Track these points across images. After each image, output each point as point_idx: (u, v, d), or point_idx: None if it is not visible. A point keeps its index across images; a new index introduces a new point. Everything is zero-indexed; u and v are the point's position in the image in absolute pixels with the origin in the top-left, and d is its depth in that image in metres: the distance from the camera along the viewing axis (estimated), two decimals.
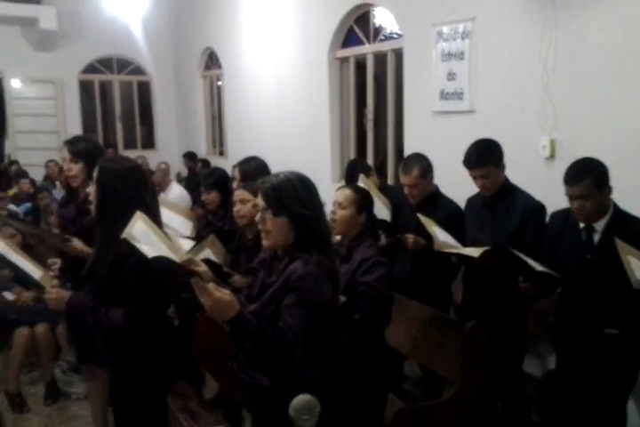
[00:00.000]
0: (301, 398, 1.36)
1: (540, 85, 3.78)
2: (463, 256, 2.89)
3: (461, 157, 3.09)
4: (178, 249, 2.44)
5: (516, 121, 3.99)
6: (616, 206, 2.65)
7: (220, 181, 3.91)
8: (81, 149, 3.22)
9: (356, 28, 6.03)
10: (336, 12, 5.98)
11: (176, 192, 6.66)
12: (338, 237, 2.95)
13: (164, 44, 10.35)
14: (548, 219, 2.97)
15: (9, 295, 4.28)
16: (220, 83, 9.22)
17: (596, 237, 2.64)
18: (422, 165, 3.48)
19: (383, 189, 4.03)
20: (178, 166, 9.54)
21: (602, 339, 2.63)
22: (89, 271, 2.49)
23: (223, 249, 3.30)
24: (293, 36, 6.82)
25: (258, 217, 2.07)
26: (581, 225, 2.67)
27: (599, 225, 2.63)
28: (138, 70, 10.64)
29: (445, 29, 4.54)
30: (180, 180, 8.70)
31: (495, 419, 3.26)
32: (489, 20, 4.21)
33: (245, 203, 3.20)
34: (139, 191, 2.44)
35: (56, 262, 3.12)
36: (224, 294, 1.82)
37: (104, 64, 10.43)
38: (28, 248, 4.15)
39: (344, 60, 6.27)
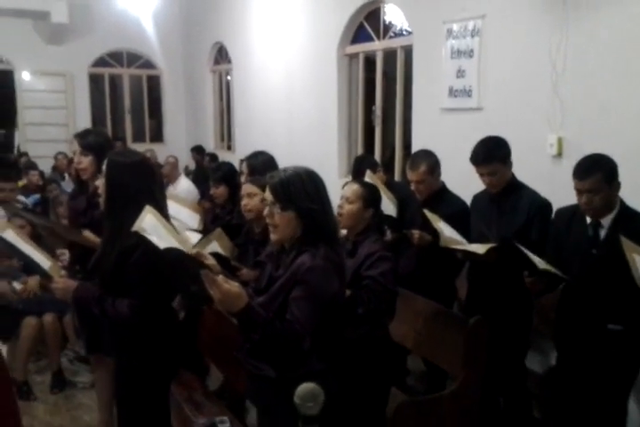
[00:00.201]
0: (306, 386, 1.40)
1: (549, 84, 3.79)
2: (468, 253, 2.91)
3: (469, 154, 3.10)
4: (186, 242, 2.48)
5: (524, 119, 4.00)
6: (623, 203, 2.67)
7: (228, 175, 3.95)
8: (91, 142, 3.26)
9: (366, 24, 6.04)
10: (346, 9, 5.99)
11: (184, 186, 6.70)
12: (344, 232, 2.98)
13: (174, 38, 10.38)
14: (553, 216, 2.99)
15: (17, 285, 4.32)
16: (229, 77, 9.25)
17: (603, 233, 2.65)
18: (430, 161, 3.50)
19: (390, 184, 4.05)
20: (186, 160, 9.58)
21: (604, 335, 2.64)
22: (96, 263, 2.53)
23: (230, 242, 3.33)
24: (303, 32, 6.83)
25: (266, 211, 2.10)
26: (588, 221, 2.69)
27: (606, 221, 2.64)
28: (148, 64, 10.68)
29: (455, 27, 4.55)
30: (187, 173, 8.74)
31: (497, 414, 3.28)
32: (499, 18, 4.22)
33: (253, 197, 3.23)
34: (147, 184, 2.46)
35: (65, 253, 3.16)
36: (233, 286, 1.86)
37: (114, 58, 10.47)
38: (37, 239, 4.20)
39: (353, 57, 6.28)
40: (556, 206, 3.02)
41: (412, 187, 3.54)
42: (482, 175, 3.08)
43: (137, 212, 2.27)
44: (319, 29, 6.51)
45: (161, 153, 8.52)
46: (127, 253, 2.37)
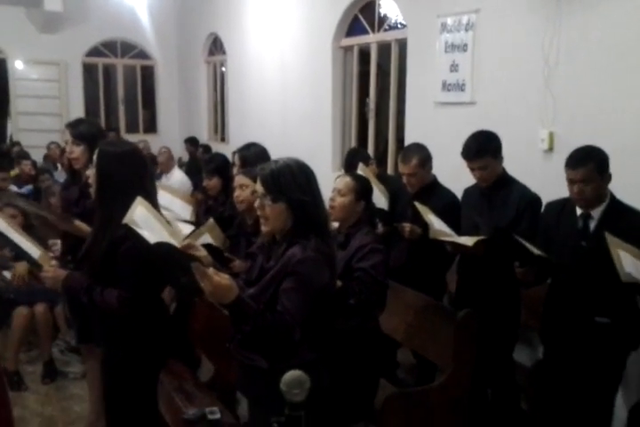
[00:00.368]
0: (292, 373, 1.42)
1: (541, 79, 3.80)
2: (457, 245, 2.93)
3: (461, 148, 3.12)
4: (178, 234, 2.48)
5: (516, 113, 4.02)
6: (613, 196, 2.69)
7: (222, 166, 3.94)
8: (83, 131, 3.24)
9: (360, 17, 6.03)
10: (341, 1, 5.98)
11: (177, 177, 6.69)
12: (336, 224, 2.99)
13: (169, 28, 10.34)
14: (543, 210, 3.01)
15: (7, 274, 4.32)
16: (223, 69, 9.22)
17: (592, 225, 2.67)
18: (421, 154, 3.51)
19: (382, 178, 4.06)
20: (179, 151, 9.56)
21: (592, 327, 2.66)
22: (85, 252, 2.53)
23: (222, 234, 3.33)
24: (298, 24, 6.81)
25: (257, 203, 2.10)
26: (578, 212, 2.71)
27: (596, 213, 2.67)
28: (142, 54, 10.63)
29: (449, 21, 4.55)
30: (180, 165, 8.73)
31: (485, 406, 3.32)
32: (493, 13, 4.22)
33: (245, 188, 3.23)
34: (138, 174, 2.46)
35: (57, 244, 3.16)
36: (223, 278, 1.87)
37: (108, 47, 10.42)
38: (28, 229, 4.20)
39: (348, 49, 6.27)
40: (546, 201, 3.04)
41: (404, 180, 3.56)
42: (472, 170, 3.10)
43: (128, 202, 2.26)
44: (314, 22, 6.49)
45: (154, 144, 8.51)
46: (117, 243, 2.36)
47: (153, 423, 2.66)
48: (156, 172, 7.06)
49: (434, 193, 3.52)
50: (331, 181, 2.99)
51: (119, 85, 10.61)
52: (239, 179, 3.33)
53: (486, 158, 3.04)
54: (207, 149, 8.37)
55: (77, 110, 9.77)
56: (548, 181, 3.30)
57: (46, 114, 9.79)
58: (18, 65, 9.79)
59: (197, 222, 3.71)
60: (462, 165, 3.16)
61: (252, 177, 3.03)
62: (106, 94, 10.65)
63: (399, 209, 3.67)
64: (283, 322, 1.96)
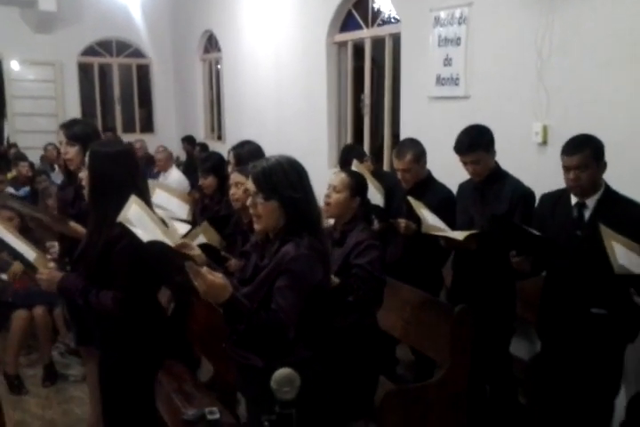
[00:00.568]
0: (282, 372, 1.42)
1: (534, 72, 3.79)
2: (449, 239, 2.93)
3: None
4: (172, 233, 2.47)
5: (510, 107, 4.00)
6: (608, 185, 2.69)
7: (217, 165, 3.94)
8: (77, 132, 3.24)
9: (354, 12, 6.01)
10: None
11: (175, 176, 6.68)
12: (331, 221, 2.99)
13: (163, 26, 10.30)
14: (537, 202, 3.01)
15: (4, 276, 4.31)
16: (219, 66, 9.19)
17: (587, 214, 2.67)
18: (416, 150, 3.51)
19: (378, 174, 4.06)
20: (176, 150, 9.53)
21: (588, 319, 2.66)
22: (81, 253, 2.53)
23: (217, 235, 3.33)
24: (292, 20, 6.79)
25: (249, 201, 2.10)
26: (573, 202, 2.71)
27: (590, 202, 2.67)
28: (137, 53, 10.60)
29: (442, 15, 4.53)
30: (178, 164, 8.71)
31: (483, 401, 3.32)
32: (485, 6, 4.20)
33: (240, 186, 3.22)
34: (130, 174, 2.45)
35: (54, 246, 3.16)
36: (217, 277, 1.87)
37: (103, 47, 10.39)
38: (25, 231, 4.19)
39: (342, 45, 6.25)
40: (540, 194, 3.03)
41: (399, 175, 3.55)
42: (465, 164, 3.10)
43: (121, 202, 2.26)
44: (308, 17, 6.47)
45: (151, 143, 8.49)
46: (112, 243, 2.36)
47: (151, 424, 2.66)
48: (154, 171, 7.07)
49: (429, 188, 3.51)
50: (327, 178, 2.99)
51: (115, 85, 10.57)
52: (234, 177, 3.32)
53: (478, 152, 3.03)
54: (204, 147, 8.35)
55: (74, 110, 9.75)
56: (542, 175, 3.30)
57: (43, 115, 9.75)
58: (13, 66, 9.75)
59: (194, 221, 3.71)
60: (457, 159, 3.16)
61: (247, 175, 3.02)
62: (102, 94, 10.63)
63: (395, 205, 3.67)
64: (277, 320, 1.96)
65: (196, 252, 2.27)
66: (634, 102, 3.30)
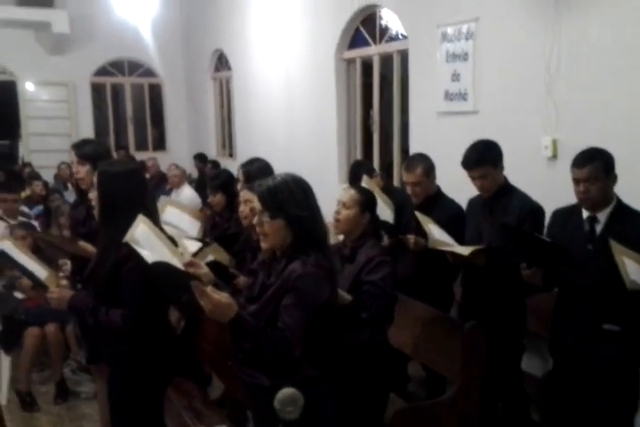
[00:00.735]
0: (285, 392, 1.42)
1: (543, 86, 3.79)
2: (456, 255, 2.91)
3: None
4: (180, 252, 2.48)
5: (519, 121, 4.00)
6: (619, 199, 2.67)
7: (226, 182, 3.96)
8: (87, 151, 3.28)
9: (362, 29, 6.06)
10: (343, 14, 6.01)
11: (187, 194, 6.73)
12: (341, 237, 2.99)
13: (174, 46, 10.43)
14: (549, 217, 2.98)
15: (18, 295, 4.35)
16: (230, 84, 9.28)
17: (599, 228, 2.64)
18: (426, 164, 3.51)
19: (388, 190, 4.05)
20: (188, 168, 9.61)
21: (601, 335, 2.62)
22: (90, 272, 2.54)
23: (227, 255, 3.32)
24: (301, 38, 6.86)
25: (255, 220, 2.10)
26: (584, 215, 2.69)
27: (602, 215, 2.64)
28: (149, 73, 10.73)
29: (449, 30, 4.56)
30: (190, 181, 8.77)
31: (495, 419, 3.27)
32: (492, 21, 4.22)
33: (249, 204, 3.23)
34: (139, 193, 2.48)
35: (67, 263, 3.19)
36: (222, 296, 1.88)
37: (116, 67, 10.54)
38: (39, 249, 4.23)
39: (351, 62, 6.30)
40: (551, 209, 3.01)
41: (409, 190, 3.54)
42: (473, 179, 3.09)
43: (129, 221, 2.27)
44: (317, 35, 6.53)
45: (164, 161, 8.56)
46: (121, 262, 2.38)
47: None
48: (166, 188, 7.13)
49: (438, 204, 3.50)
50: (337, 194, 2.99)
51: (127, 104, 10.71)
52: (243, 194, 3.33)
53: (486, 167, 3.03)
54: (216, 164, 8.40)
55: (87, 130, 9.89)
56: (552, 189, 3.28)
57: (56, 134, 9.89)
58: (28, 87, 9.93)
59: (205, 238, 3.72)
60: (466, 174, 3.15)
61: None
62: (115, 113, 10.75)
63: (404, 221, 3.66)
64: (283, 339, 1.95)
65: (204, 270, 2.28)
66: None
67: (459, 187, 3.56)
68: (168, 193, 6.74)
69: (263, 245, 2.12)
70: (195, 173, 9.36)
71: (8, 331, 4.34)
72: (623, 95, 3.38)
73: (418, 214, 3.15)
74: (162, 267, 1.97)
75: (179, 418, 3.08)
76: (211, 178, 4.24)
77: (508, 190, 3.12)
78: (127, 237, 2.18)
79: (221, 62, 9.48)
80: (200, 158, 8.95)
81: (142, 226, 2.31)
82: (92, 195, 2.60)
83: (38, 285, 2.71)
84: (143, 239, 2.22)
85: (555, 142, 3.75)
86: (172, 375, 2.67)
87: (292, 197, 2.04)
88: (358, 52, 6.14)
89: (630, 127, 3.34)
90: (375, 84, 5.97)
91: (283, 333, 1.96)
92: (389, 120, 5.89)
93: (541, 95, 3.80)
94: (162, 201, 3.97)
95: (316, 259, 2.03)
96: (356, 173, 4.18)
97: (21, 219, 5.36)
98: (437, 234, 3.04)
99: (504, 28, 4.13)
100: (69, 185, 7.89)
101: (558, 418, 2.87)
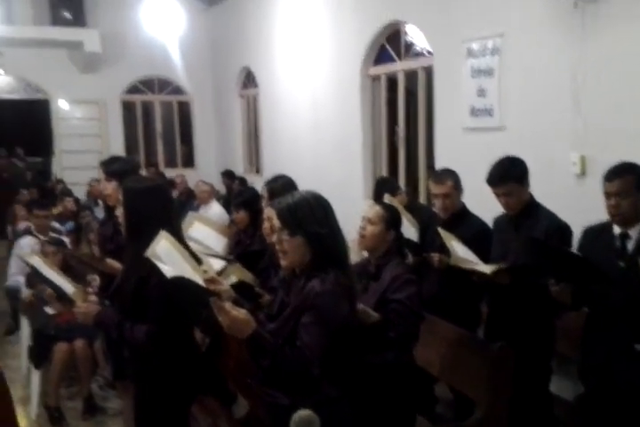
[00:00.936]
0: (301, 414, 1.40)
1: (570, 101, 3.74)
2: (478, 273, 2.86)
3: None
4: (204, 270, 2.48)
5: (546, 137, 3.95)
6: None
7: (250, 200, 3.98)
8: (115, 168, 3.35)
9: (387, 45, 6.08)
10: (368, 30, 6.04)
11: (215, 210, 6.77)
12: (365, 254, 2.97)
13: (202, 63, 10.59)
14: (577, 235, 2.92)
15: (49, 310, 4.41)
16: (257, 102, 9.37)
17: (630, 245, 2.58)
18: (454, 177, 3.48)
19: (412, 207, 4.01)
20: (216, 185, 9.67)
21: (633, 355, 2.54)
22: (116, 289, 2.57)
23: (249, 274, 3.32)
24: (327, 55, 6.90)
25: (274, 238, 2.10)
26: (616, 232, 2.63)
27: (634, 232, 2.58)
28: (178, 90, 10.92)
29: (475, 46, 4.54)
30: (218, 198, 8.83)
31: None
32: (517, 36, 4.20)
33: (271, 220, 3.23)
34: (164, 209, 2.50)
35: (95, 279, 3.24)
36: (240, 313, 1.88)
37: (146, 85, 10.74)
38: (69, 266, 4.30)
39: (376, 78, 6.31)
40: (580, 227, 2.95)
41: (437, 204, 3.48)
42: (498, 196, 3.04)
43: (153, 237, 2.29)
44: (342, 52, 6.57)
45: (192, 178, 8.65)
46: (146, 278, 2.39)
47: None
48: (195, 204, 7.19)
49: (463, 221, 3.45)
50: (361, 210, 2.98)
51: (157, 121, 10.88)
52: (267, 211, 3.34)
53: (510, 184, 2.98)
54: (243, 181, 8.45)
55: (117, 147, 10.07)
56: (581, 206, 3.22)
57: (88, 151, 10.09)
58: (61, 105, 10.19)
59: (229, 255, 3.73)
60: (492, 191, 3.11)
61: None
62: (145, 130, 10.94)
63: (428, 239, 3.62)
64: (301, 357, 1.94)
65: (224, 287, 2.29)
66: None
67: (484, 204, 3.51)
68: (196, 209, 6.80)
69: (282, 262, 2.12)
70: (223, 190, 9.43)
71: (38, 346, 4.40)
72: None
73: (441, 231, 3.11)
74: (181, 282, 1.97)
75: None
76: (235, 195, 4.27)
77: (534, 208, 3.06)
78: (148, 252, 2.19)
79: (249, 79, 9.58)
80: (228, 175, 9.02)
81: (164, 242, 2.32)
82: (119, 211, 2.63)
83: (65, 299, 2.75)
84: (165, 255, 2.23)
85: (583, 159, 3.69)
86: (196, 393, 2.66)
87: (311, 215, 2.04)
88: (383, 69, 6.15)
89: None
90: (400, 100, 5.97)
91: (301, 351, 1.94)
92: (415, 136, 5.87)
93: (568, 110, 3.75)
94: (190, 217, 4.00)
95: (335, 277, 2.01)
96: (379, 190, 4.15)
97: (52, 235, 5.47)
98: (461, 251, 3.00)
99: (529, 43, 4.10)
100: (100, 202, 8.01)
101: None
